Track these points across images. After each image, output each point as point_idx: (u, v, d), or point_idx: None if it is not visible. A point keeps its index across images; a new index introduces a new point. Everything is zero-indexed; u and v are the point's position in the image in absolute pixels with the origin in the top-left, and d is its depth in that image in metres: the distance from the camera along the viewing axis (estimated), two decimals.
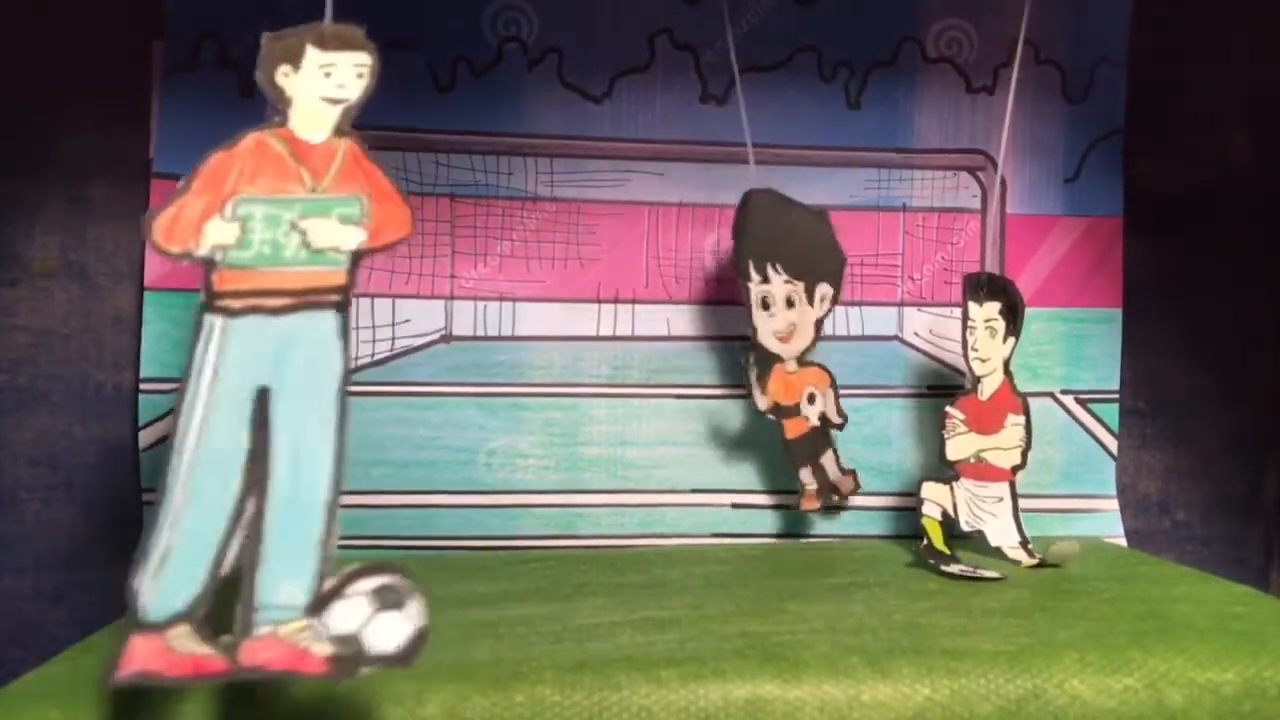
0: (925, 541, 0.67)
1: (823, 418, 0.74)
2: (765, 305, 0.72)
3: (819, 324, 0.74)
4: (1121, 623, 0.54)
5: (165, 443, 0.43)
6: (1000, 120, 0.81)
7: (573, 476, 0.79)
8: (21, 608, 0.76)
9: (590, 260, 0.80)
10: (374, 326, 0.78)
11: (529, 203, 0.79)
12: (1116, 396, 0.83)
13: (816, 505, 0.75)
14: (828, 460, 0.75)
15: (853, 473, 0.76)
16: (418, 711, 0.45)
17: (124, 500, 0.75)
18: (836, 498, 0.76)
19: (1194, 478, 0.86)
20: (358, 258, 0.46)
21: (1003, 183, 0.83)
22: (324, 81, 0.46)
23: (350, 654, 0.42)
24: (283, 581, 0.43)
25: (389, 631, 0.43)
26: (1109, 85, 0.82)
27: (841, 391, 0.81)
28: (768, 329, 0.72)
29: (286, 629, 0.43)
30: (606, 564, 0.70)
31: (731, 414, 0.81)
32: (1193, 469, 0.86)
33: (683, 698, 0.46)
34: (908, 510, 0.80)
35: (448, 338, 0.79)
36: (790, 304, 0.72)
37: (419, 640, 0.43)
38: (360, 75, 0.46)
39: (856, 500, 0.81)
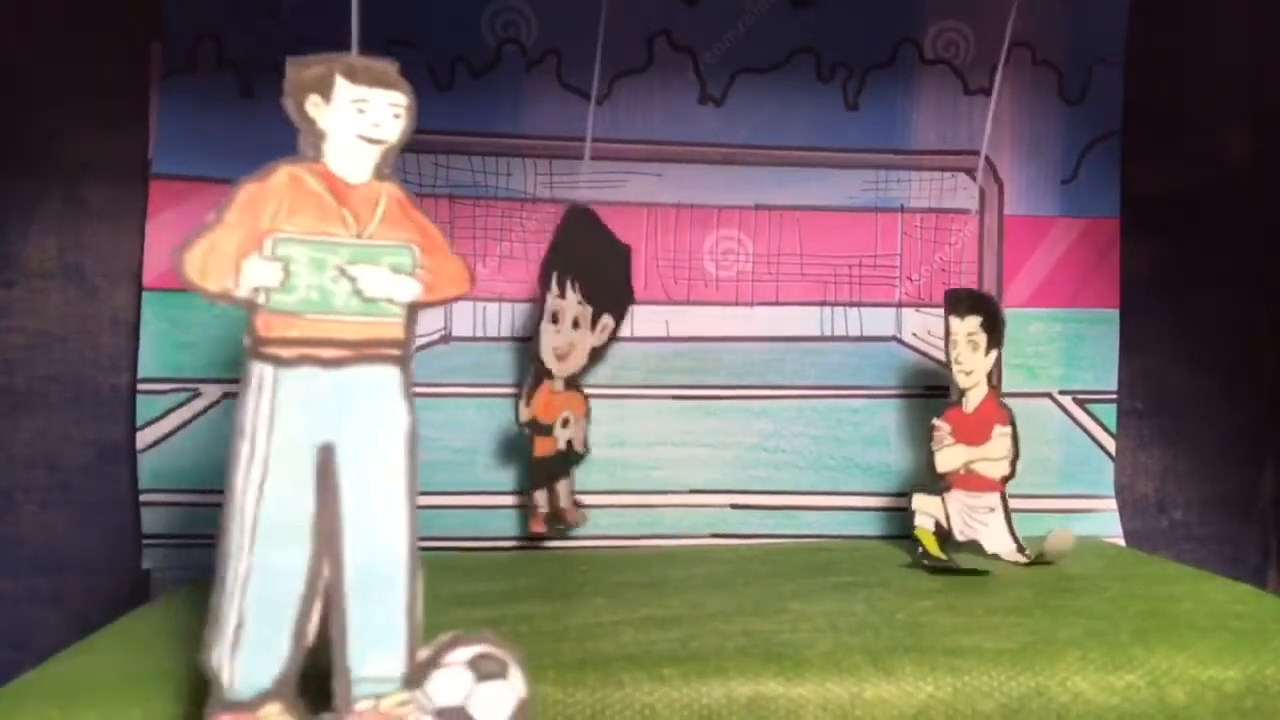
0: (921, 550, 0.68)
1: (569, 444, 0.74)
2: (555, 319, 0.72)
3: (594, 352, 0.74)
4: (1123, 621, 0.54)
5: (222, 501, 0.40)
6: (999, 121, 0.81)
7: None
8: (18, 610, 0.75)
9: None
10: None
11: (528, 203, 0.79)
12: (1114, 397, 0.83)
13: (544, 529, 0.74)
14: (563, 486, 0.75)
15: (579, 504, 0.76)
16: None
17: (122, 502, 0.75)
18: (561, 526, 0.75)
19: (1191, 477, 0.86)
20: (413, 311, 0.44)
21: (1000, 184, 0.83)
22: (358, 118, 0.43)
23: None
24: (374, 651, 0.41)
25: (494, 702, 0.41)
26: (1106, 86, 0.83)
27: (840, 392, 0.82)
28: (549, 344, 0.72)
29: (388, 702, 0.41)
30: (606, 564, 0.70)
31: (731, 414, 0.81)
32: (1190, 469, 0.86)
33: (685, 695, 0.46)
34: (906, 510, 0.80)
35: (447, 338, 0.79)
36: (576, 324, 0.73)
37: (523, 711, 0.42)
38: (397, 116, 0.44)
39: (856, 500, 0.81)
